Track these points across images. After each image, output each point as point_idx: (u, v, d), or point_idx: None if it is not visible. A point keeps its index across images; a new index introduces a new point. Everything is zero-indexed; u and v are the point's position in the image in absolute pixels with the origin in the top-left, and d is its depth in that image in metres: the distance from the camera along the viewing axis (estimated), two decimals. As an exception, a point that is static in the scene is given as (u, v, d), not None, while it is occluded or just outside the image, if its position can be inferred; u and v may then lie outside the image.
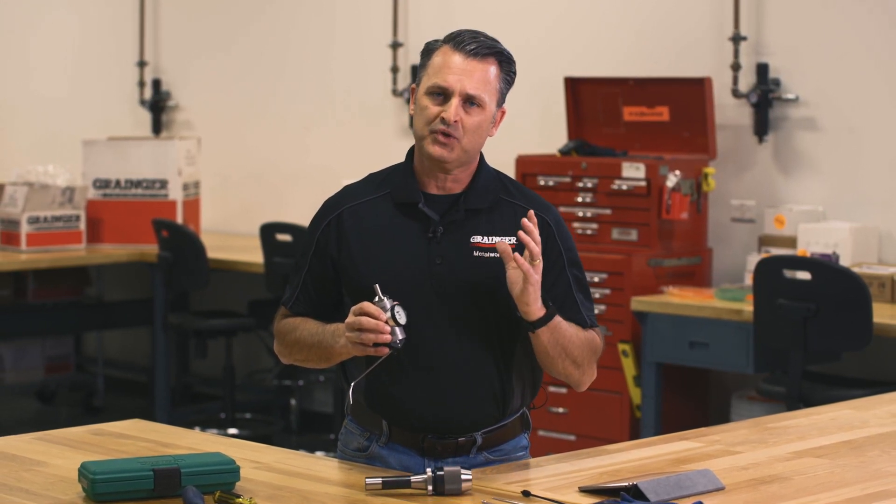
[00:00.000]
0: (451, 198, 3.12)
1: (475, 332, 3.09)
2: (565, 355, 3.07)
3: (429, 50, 3.11)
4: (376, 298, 2.96)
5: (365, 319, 2.94)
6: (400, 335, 2.95)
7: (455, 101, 3.03)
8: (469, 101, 3.04)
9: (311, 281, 3.18)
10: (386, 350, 2.96)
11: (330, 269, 3.15)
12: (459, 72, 3.04)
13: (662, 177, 6.12)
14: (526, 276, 2.95)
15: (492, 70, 3.07)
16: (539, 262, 2.97)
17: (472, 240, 3.10)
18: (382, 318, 2.94)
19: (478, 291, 3.08)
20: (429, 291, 3.08)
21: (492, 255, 3.08)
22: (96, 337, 8.68)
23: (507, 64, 3.10)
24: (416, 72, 3.16)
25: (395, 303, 2.96)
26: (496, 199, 3.14)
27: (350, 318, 2.97)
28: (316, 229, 3.18)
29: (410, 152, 3.17)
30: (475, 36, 3.07)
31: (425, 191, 3.13)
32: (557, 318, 3.04)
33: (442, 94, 3.04)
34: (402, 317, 2.95)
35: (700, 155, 6.37)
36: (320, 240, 3.16)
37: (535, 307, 2.99)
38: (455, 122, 3.03)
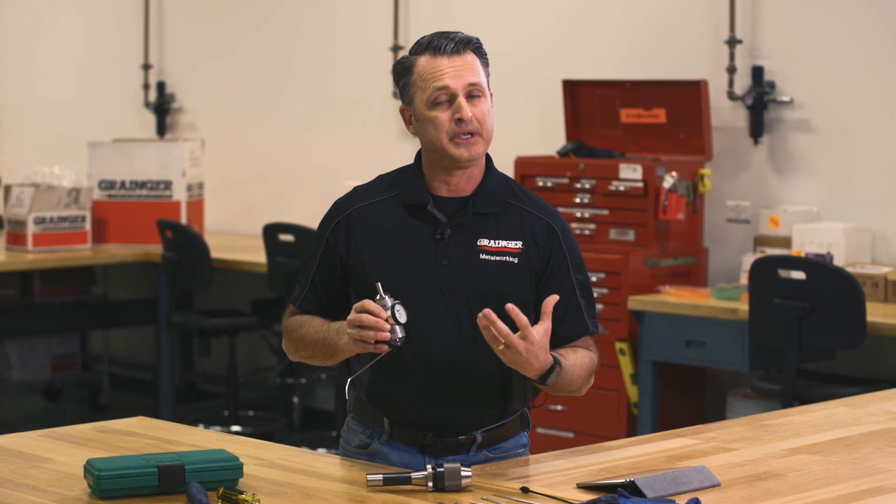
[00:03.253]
0: (459, 200, 3.15)
1: (479, 334, 3.07)
2: (568, 390, 3.10)
3: (406, 67, 3.13)
4: (378, 296, 2.97)
5: (365, 317, 2.95)
6: (400, 333, 2.96)
7: (462, 100, 3.07)
8: (471, 93, 3.08)
9: (320, 280, 3.20)
10: (386, 348, 2.96)
11: (338, 269, 3.17)
12: (452, 72, 3.07)
13: (659, 178, 6.15)
14: (519, 351, 2.92)
15: (475, 60, 3.11)
16: (533, 338, 2.93)
17: (478, 242, 3.13)
18: (383, 316, 2.95)
19: (483, 293, 3.10)
20: (435, 292, 3.10)
21: (497, 258, 3.12)
22: (102, 335, 8.69)
23: (480, 48, 3.14)
24: (402, 92, 3.14)
25: (396, 301, 2.97)
26: (504, 203, 3.16)
27: (351, 315, 2.99)
28: (325, 229, 3.20)
29: (418, 155, 3.19)
30: (446, 35, 3.11)
31: (434, 193, 3.15)
32: (562, 365, 3.02)
33: (446, 99, 3.08)
34: (402, 315, 2.96)
35: (696, 156, 6.39)
36: (329, 239, 3.18)
37: (536, 369, 2.97)
38: (470, 117, 3.07)
